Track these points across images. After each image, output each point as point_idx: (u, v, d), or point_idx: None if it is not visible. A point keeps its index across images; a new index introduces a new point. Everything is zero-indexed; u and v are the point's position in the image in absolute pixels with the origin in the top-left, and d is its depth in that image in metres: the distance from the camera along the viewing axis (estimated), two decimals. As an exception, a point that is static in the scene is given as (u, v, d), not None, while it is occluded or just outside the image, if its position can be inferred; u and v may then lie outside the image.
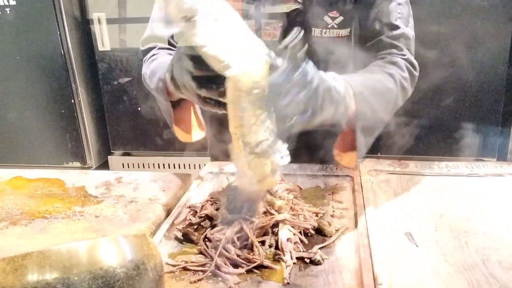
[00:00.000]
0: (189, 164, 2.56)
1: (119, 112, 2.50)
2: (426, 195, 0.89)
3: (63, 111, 2.40)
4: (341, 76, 0.79)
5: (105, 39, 2.34)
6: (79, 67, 2.37)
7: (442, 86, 2.15)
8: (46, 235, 0.78)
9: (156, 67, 0.93)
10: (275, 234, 0.74)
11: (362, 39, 1.00)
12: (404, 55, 0.95)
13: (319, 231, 0.77)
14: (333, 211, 0.84)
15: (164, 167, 2.60)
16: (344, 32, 1.00)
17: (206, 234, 0.73)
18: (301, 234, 0.75)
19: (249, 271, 0.67)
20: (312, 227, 0.77)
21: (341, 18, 0.98)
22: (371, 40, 0.97)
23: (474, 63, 2.11)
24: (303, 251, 0.71)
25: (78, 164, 2.49)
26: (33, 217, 0.85)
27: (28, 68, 2.33)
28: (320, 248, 0.72)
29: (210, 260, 0.69)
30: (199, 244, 0.72)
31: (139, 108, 2.47)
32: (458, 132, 2.18)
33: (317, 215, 0.81)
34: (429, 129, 2.23)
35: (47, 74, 2.34)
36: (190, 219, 0.78)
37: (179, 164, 2.57)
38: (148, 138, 2.54)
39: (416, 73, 0.97)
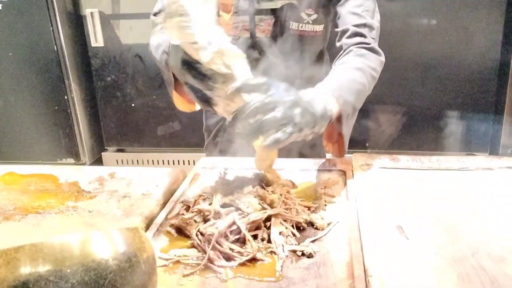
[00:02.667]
0: (183, 161, 2.56)
1: (113, 108, 2.50)
2: (417, 189, 0.90)
3: (56, 107, 2.39)
4: (319, 87, 0.90)
5: (98, 35, 2.34)
6: (72, 63, 2.37)
7: (433, 81, 2.16)
8: (40, 230, 0.78)
9: (162, 41, 0.97)
10: (268, 228, 0.74)
11: (334, 32, 1.12)
12: (369, 43, 1.04)
13: (311, 225, 0.78)
14: (325, 205, 0.85)
15: (158, 164, 2.61)
16: (318, 27, 1.13)
17: (199, 229, 0.73)
18: (293, 228, 0.76)
19: (241, 264, 0.67)
20: (304, 220, 0.78)
21: (315, 15, 1.11)
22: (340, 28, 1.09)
23: (466, 57, 2.12)
24: (295, 244, 0.72)
25: (72, 160, 2.49)
26: (26, 212, 0.85)
27: (20, 64, 2.32)
28: (312, 242, 0.73)
29: (203, 254, 0.69)
30: (192, 238, 0.73)
31: (133, 104, 2.47)
32: (450, 127, 2.20)
33: (309, 209, 0.82)
34: (421, 124, 2.24)
35: (40, 70, 2.34)
36: (183, 214, 0.79)
37: (173, 161, 2.57)
38: (142, 134, 2.54)
39: (382, 59, 1.06)
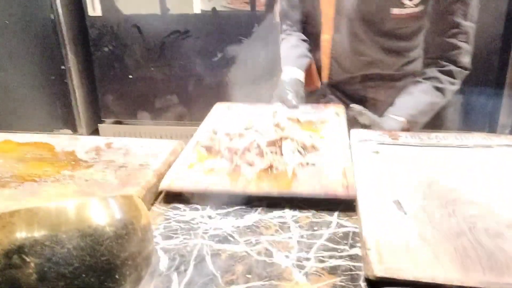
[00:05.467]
0: (181, 134, 2.55)
1: (110, 79, 2.47)
2: (415, 165, 0.90)
3: (53, 77, 2.37)
4: (395, 110, 1.18)
5: (95, 3, 2.29)
6: (69, 32, 2.33)
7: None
8: (36, 198, 0.78)
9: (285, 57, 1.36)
10: (280, 147, 0.95)
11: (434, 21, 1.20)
12: (460, 62, 1.20)
13: (313, 147, 0.99)
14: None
15: (156, 137, 2.60)
16: (417, 9, 1.18)
17: (227, 146, 0.95)
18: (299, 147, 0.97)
19: (261, 171, 0.87)
20: (309, 142, 0.98)
21: None
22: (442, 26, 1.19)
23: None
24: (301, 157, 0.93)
25: (69, 131, 2.48)
26: (22, 180, 0.85)
27: (17, 33, 2.29)
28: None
29: (231, 164, 0.89)
30: (221, 153, 0.93)
31: (130, 76, 2.44)
32: (449, 105, 2.18)
33: (311, 136, 1.03)
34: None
35: (37, 39, 2.30)
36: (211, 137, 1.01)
37: (171, 135, 2.56)
38: (140, 106, 2.52)
39: (467, 72, 1.21)
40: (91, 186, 0.82)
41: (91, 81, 2.51)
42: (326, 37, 1.33)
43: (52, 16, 2.24)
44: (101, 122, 2.63)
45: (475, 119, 2.19)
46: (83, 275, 0.43)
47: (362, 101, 1.32)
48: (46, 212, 0.44)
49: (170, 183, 0.83)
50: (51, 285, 0.42)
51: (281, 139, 0.97)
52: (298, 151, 0.95)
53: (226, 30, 2.33)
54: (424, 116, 1.20)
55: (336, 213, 0.78)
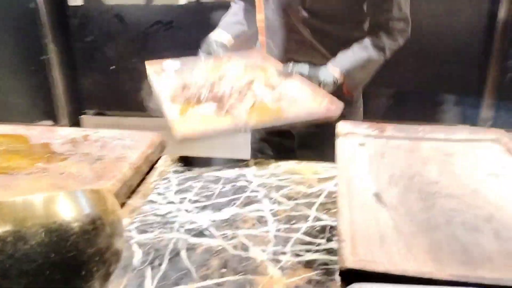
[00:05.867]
0: (165, 125, 2.52)
1: (92, 70, 2.43)
2: (399, 158, 0.89)
3: (33, 67, 2.32)
4: (334, 62, 1.23)
5: (76, -8, 2.25)
6: (49, 22, 2.28)
7: (415, 52, 2.14)
8: (8, 191, 0.76)
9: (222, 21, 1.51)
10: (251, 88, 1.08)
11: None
12: (395, 28, 1.24)
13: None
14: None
15: (138, 129, 2.56)
16: None
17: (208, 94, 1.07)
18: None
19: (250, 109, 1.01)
20: (272, 81, 1.14)
21: None
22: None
23: (450, 27, 2.09)
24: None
25: (50, 123, 2.43)
26: (-5, 173, 0.82)
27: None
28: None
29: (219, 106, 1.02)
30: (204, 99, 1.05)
31: (112, 67, 2.40)
32: (437, 100, 2.20)
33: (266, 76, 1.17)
34: (404, 96, 2.23)
35: (16, 29, 2.25)
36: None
37: (154, 126, 2.53)
38: (122, 97, 2.48)
39: (409, 28, 1.26)
40: (66, 179, 0.80)
41: (72, 72, 2.46)
42: (260, 16, 1.35)
43: (32, 5, 2.19)
44: (83, 113, 2.58)
45: (456, 113, 2.21)
46: (47, 272, 0.42)
47: None
48: (10, 207, 0.43)
49: (184, 130, 0.94)
50: (13, 282, 0.41)
51: (251, 82, 1.10)
52: (268, 88, 1.10)
53: (211, 22, 2.30)
54: (360, 72, 1.25)
55: (314, 207, 0.78)
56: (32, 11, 2.20)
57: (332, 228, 0.72)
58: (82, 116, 2.57)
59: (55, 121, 2.43)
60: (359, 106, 1.45)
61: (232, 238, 0.69)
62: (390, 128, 1.03)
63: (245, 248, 0.67)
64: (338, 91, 1.23)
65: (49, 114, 2.43)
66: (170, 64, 1.35)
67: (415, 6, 2.03)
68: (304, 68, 1.20)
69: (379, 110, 2.29)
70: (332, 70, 1.21)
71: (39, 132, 1.01)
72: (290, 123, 1.02)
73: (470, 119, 2.21)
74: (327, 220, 0.74)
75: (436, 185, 0.79)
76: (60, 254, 0.43)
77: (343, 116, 1.24)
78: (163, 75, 1.32)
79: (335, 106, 1.04)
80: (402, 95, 2.23)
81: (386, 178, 0.81)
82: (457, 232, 0.65)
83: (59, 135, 0.99)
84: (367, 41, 1.24)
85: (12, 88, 2.36)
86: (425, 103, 2.22)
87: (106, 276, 0.49)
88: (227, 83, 1.10)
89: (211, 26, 2.32)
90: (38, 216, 0.44)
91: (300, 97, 1.10)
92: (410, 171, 0.84)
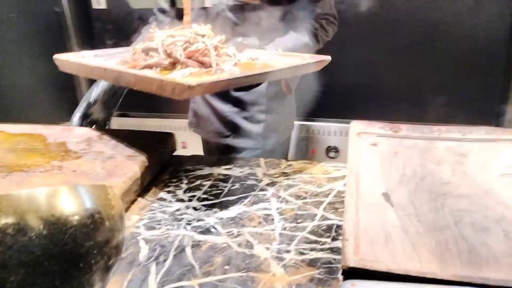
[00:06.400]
0: (185, 127, 2.54)
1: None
2: (412, 158, 0.88)
3: (58, 70, 2.37)
4: (275, 43, 1.24)
5: (100, -4, 2.30)
6: (74, 25, 2.34)
7: (438, 49, 2.10)
8: (22, 188, 0.78)
9: None
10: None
11: None
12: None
13: None
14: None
15: (161, 130, 2.59)
16: None
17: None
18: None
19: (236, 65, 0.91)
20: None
21: None
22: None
23: (474, 24, 2.04)
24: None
25: (75, 124, 2.49)
26: (11, 170, 0.85)
27: (22, 26, 2.30)
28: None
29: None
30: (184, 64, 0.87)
31: (135, 69, 2.44)
32: (455, 97, 2.14)
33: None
34: (424, 95, 2.19)
35: (42, 32, 2.31)
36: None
37: (175, 127, 2.56)
38: (145, 99, 2.51)
39: (336, 21, 1.39)
40: (78, 177, 0.82)
41: (97, 74, 2.52)
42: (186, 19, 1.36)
43: (57, 9, 2.25)
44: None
45: (482, 113, 2.15)
46: (46, 263, 0.43)
47: None
48: (10, 200, 0.44)
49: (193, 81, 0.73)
50: (12, 272, 0.42)
51: (222, 41, 0.97)
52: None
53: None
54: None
55: (322, 206, 0.78)
56: (57, 14, 2.26)
57: (339, 227, 0.71)
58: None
59: (80, 122, 2.49)
60: (293, 104, 1.55)
61: (238, 235, 0.70)
62: (405, 128, 1.01)
63: (249, 246, 0.67)
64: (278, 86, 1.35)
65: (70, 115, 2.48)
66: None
67: (437, 3, 2.01)
68: (255, 41, 1.20)
69: (400, 111, 2.26)
70: (276, 49, 1.23)
71: (57, 132, 1.04)
72: (287, 73, 0.96)
73: (495, 120, 2.15)
74: (334, 220, 0.73)
75: (447, 186, 0.77)
76: (57, 246, 0.44)
77: (277, 114, 1.43)
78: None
79: (321, 56, 0.97)
80: (423, 95, 2.19)
81: (396, 177, 0.80)
82: (465, 233, 0.63)
83: (75, 134, 1.02)
84: (304, 28, 1.31)
85: (37, 90, 2.43)
86: (448, 104, 2.17)
87: (106, 269, 0.50)
88: (198, 42, 0.92)
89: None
90: (39, 209, 0.45)
91: (275, 57, 1.03)
92: (422, 171, 0.83)
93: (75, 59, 1.04)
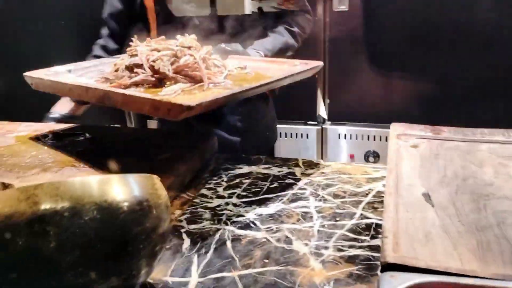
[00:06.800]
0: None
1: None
2: (453, 159, 0.87)
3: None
4: (255, 46, 1.25)
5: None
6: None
7: (482, 53, 2.04)
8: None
9: None
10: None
11: None
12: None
13: None
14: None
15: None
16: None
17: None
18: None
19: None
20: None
21: None
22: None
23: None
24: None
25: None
26: (63, 165, 0.90)
27: (72, 33, 2.40)
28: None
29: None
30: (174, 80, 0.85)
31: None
32: (499, 103, 2.07)
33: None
34: (468, 98, 2.13)
35: (91, 40, 2.41)
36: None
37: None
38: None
39: (311, 17, 1.44)
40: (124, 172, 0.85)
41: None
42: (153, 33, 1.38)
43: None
44: (150, 118, 2.70)
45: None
46: (98, 245, 0.46)
47: None
48: (67, 186, 0.48)
49: (189, 101, 0.69)
50: (68, 253, 0.45)
51: (208, 52, 0.93)
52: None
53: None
54: (279, 55, 1.28)
55: (361, 205, 0.78)
56: (102, 21, 2.35)
57: (378, 226, 0.71)
58: (148, 121, 2.69)
59: (124, 125, 2.57)
60: (272, 108, 1.51)
61: (277, 231, 0.71)
62: (446, 130, 1.00)
63: (288, 241, 0.68)
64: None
65: (117, 119, 2.57)
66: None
67: (481, 8, 1.96)
68: (238, 46, 1.21)
69: (432, 113, 2.21)
70: (257, 52, 1.24)
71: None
72: (284, 82, 0.87)
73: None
74: (373, 219, 0.74)
75: (490, 187, 0.76)
76: (109, 230, 0.47)
77: (256, 120, 1.40)
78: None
79: (312, 62, 0.94)
80: (463, 96, 2.13)
81: (437, 179, 0.79)
82: (508, 234, 0.62)
83: (122, 134, 1.07)
84: (281, 28, 1.34)
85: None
86: (491, 107, 2.11)
87: (152, 256, 0.52)
88: (186, 56, 0.88)
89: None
90: (92, 195, 0.48)
91: (263, 65, 1.00)
92: (464, 172, 0.82)
93: (48, 77, 0.93)
